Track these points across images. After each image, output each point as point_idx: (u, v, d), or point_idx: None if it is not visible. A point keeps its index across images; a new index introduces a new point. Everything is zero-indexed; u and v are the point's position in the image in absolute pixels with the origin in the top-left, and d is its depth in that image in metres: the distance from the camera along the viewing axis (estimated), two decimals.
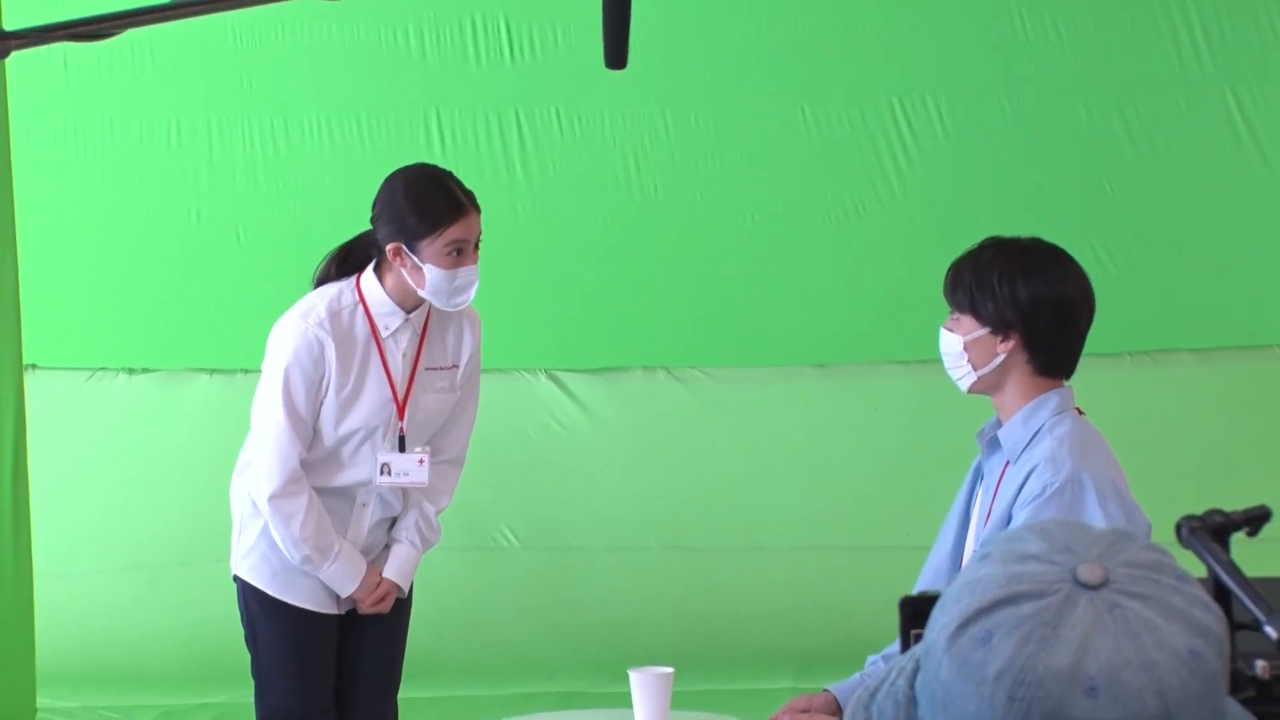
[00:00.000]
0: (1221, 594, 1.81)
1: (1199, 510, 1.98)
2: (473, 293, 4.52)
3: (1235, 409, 7.22)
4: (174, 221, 7.17)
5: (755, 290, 7.29)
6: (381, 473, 4.61)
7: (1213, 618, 1.47)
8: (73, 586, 6.96)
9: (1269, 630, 1.74)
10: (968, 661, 1.47)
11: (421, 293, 4.51)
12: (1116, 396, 7.00)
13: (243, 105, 7.14)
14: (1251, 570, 2.00)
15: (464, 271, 4.48)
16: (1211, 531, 1.84)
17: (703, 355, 7.26)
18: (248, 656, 4.78)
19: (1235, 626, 1.81)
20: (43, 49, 7.06)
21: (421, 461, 4.62)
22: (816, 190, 7.25)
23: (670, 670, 4.25)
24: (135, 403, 7.14)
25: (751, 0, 7.21)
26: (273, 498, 4.53)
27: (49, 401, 6.85)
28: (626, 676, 4.21)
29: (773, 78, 7.16)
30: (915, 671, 1.57)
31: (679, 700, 4.31)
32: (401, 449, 4.61)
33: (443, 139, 7.14)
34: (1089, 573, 1.46)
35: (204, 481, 6.38)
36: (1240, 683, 1.83)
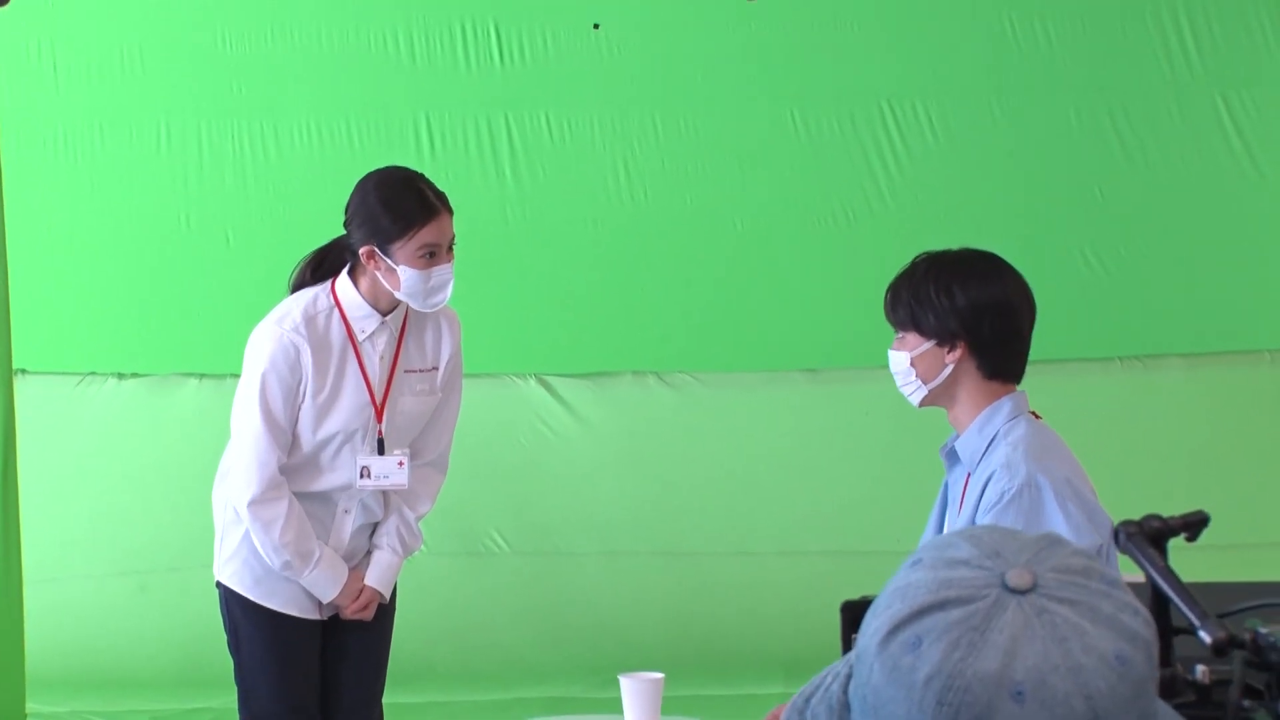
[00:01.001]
0: (1159, 599, 1.81)
1: None
2: (448, 292, 4.51)
3: (1224, 414, 7.21)
4: (164, 226, 7.18)
5: (745, 295, 7.29)
6: (361, 475, 4.60)
7: (1141, 622, 1.47)
8: (63, 591, 6.95)
9: (1203, 635, 1.74)
10: (898, 666, 1.47)
11: (397, 295, 4.50)
12: (1106, 401, 7.01)
13: (232, 109, 7.14)
14: (1237, 576, 1.98)
15: (438, 271, 4.46)
16: (1148, 537, 1.84)
17: (693, 360, 7.25)
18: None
19: (1174, 631, 1.81)
20: (32, 54, 7.08)
21: (401, 464, 4.61)
22: (806, 195, 7.25)
23: (661, 676, 4.26)
24: (125, 407, 7.14)
25: (741, 4, 7.19)
26: (252, 504, 4.53)
27: (39, 406, 6.85)
28: (617, 682, 4.21)
29: (762, 82, 7.15)
30: (848, 676, 1.56)
31: (669, 705, 4.32)
32: (380, 452, 4.61)
33: (432, 143, 7.13)
34: (1018, 578, 1.46)
35: (194, 486, 6.34)
36: (1179, 687, 1.83)
